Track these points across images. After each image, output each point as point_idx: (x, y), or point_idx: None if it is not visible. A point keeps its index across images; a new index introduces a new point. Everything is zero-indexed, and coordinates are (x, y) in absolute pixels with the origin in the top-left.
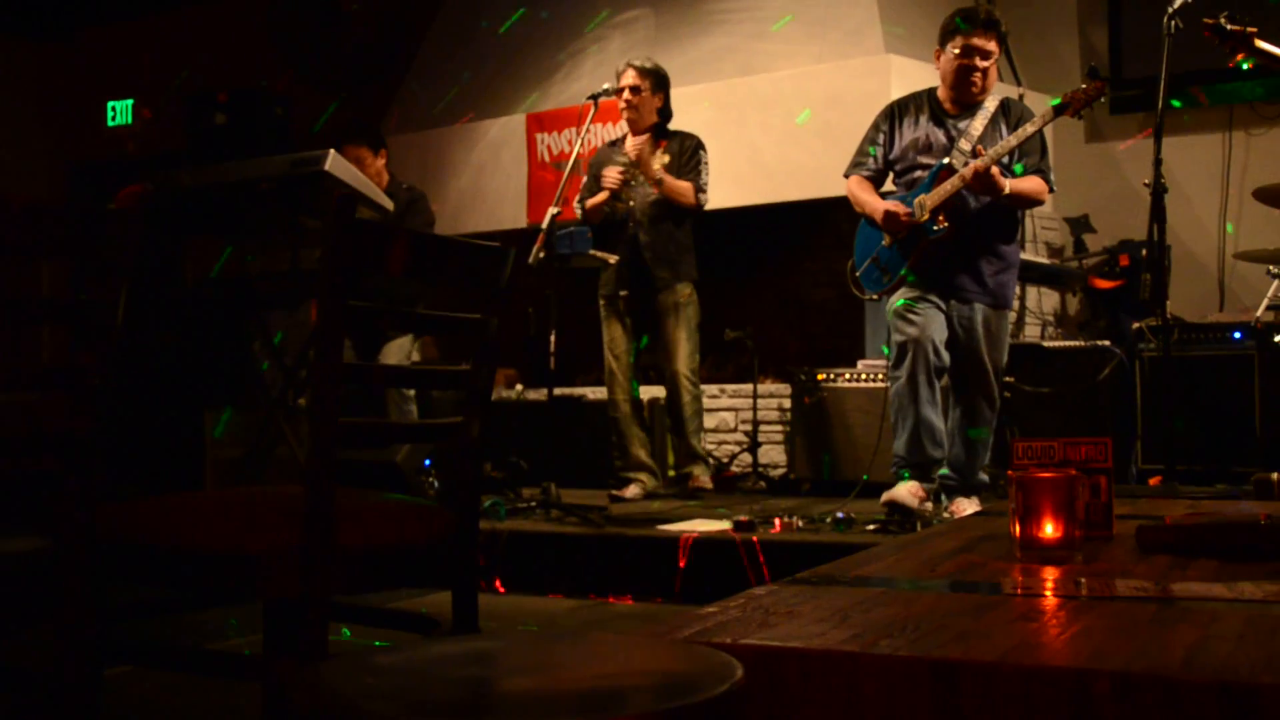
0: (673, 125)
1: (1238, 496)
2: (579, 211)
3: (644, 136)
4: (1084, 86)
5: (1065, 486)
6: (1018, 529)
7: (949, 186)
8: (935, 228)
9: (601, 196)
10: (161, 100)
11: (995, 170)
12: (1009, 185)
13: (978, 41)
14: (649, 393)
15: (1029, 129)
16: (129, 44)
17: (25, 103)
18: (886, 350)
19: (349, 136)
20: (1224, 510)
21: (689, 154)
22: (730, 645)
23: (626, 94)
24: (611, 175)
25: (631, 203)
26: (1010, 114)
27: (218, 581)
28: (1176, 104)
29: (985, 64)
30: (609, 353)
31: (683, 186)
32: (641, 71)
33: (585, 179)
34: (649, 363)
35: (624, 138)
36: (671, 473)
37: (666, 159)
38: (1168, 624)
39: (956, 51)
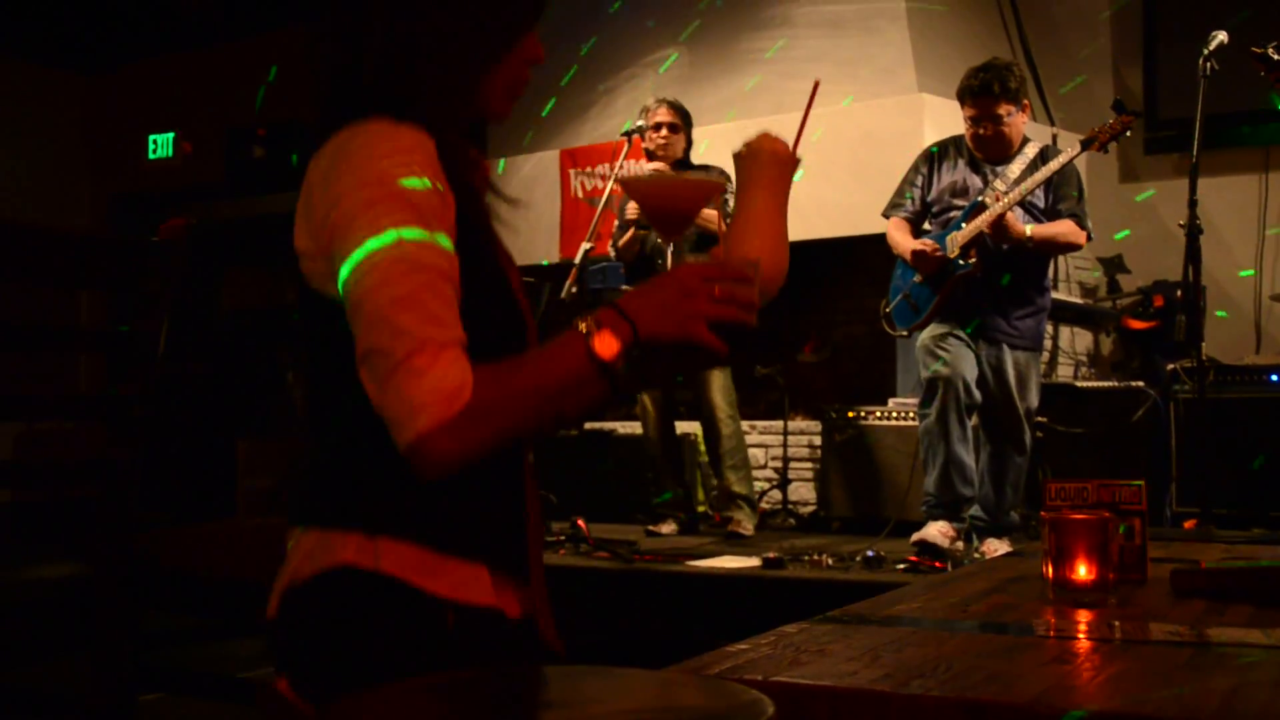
0: (704, 161)
1: (1275, 541)
2: (614, 254)
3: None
4: (1110, 121)
5: (1099, 528)
6: (1050, 571)
7: (980, 223)
8: (963, 262)
9: (630, 234)
10: (202, 134)
11: (1011, 217)
12: (1031, 230)
13: (982, 108)
14: (683, 428)
15: (1053, 165)
16: (170, 78)
17: (69, 135)
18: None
19: None
20: (1260, 555)
21: None
22: (761, 682)
23: (664, 131)
24: (632, 208)
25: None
26: (1048, 161)
27: (250, 609)
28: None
29: (994, 129)
30: None
31: (708, 214)
32: (674, 108)
33: (617, 222)
34: (685, 398)
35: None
36: (702, 508)
37: None
38: (1203, 669)
39: (966, 115)
